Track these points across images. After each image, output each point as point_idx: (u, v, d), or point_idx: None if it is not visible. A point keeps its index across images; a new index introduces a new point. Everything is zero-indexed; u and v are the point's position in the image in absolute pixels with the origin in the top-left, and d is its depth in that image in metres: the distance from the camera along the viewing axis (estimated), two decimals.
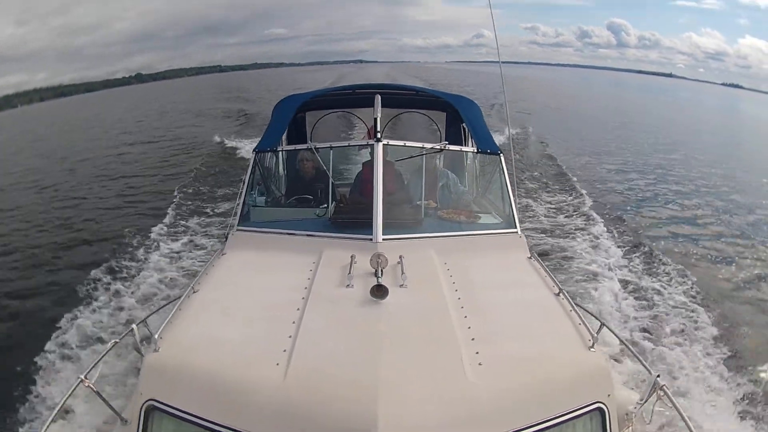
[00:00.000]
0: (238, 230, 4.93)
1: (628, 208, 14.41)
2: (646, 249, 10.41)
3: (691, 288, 8.69)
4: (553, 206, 13.19)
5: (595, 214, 12.35)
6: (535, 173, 16.38)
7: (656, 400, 3.29)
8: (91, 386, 3.25)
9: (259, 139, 6.02)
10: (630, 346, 4.35)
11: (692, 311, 7.95)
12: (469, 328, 3.26)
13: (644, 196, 16.27)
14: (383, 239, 4.29)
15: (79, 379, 3.24)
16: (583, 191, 14.38)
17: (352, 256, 3.95)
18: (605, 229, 11.49)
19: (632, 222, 12.62)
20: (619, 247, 10.50)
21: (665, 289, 8.67)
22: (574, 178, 15.77)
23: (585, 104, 50.52)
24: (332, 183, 5.22)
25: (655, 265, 9.67)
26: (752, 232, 13.11)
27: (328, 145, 5.31)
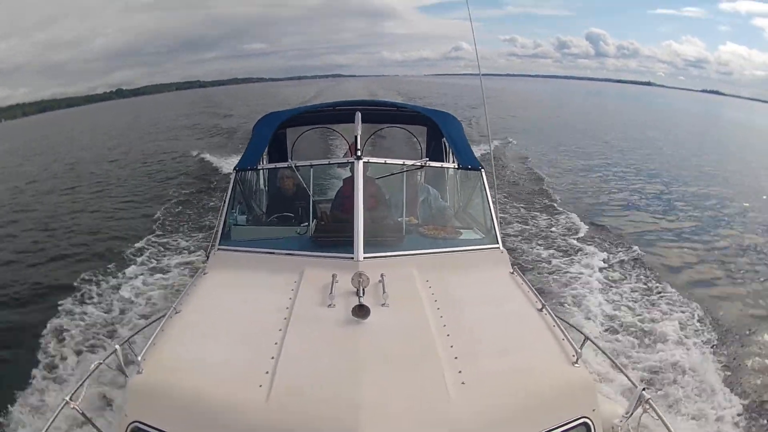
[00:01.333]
0: (219, 249, 4.90)
1: (606, 213, 14.85)
2: (628, 258, 10.60)
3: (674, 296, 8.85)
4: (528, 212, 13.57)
5: (578, 223, 12.78)
6: (513, 182, 16.79)
7: (642, 413, 3.29)
8: (77, 408, 3.22)
9: (239, 157, 6.02)
10: (614, 360, 4.37)
11: (678, 317, 8.09)
12: (452, 346, 3.27)
13: (615, 196, 17.01)
14: (364, 258, 4.28)
15: (65, 402, 3.21)
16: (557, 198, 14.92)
17: (333, 275, 3.94)
18: (588, 237, 11.83)
19: (614, 230, 12.85)
20: (602, 250, 10.82)
21: (649, 300, 8.78)
22: (557, 197, 15.83)
23: (559, 113, 52.16)
24: (313, 201, 5.23)
25: (638, 274, 9.85)
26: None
27: (308, 163, 5.34)
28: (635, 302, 8.63)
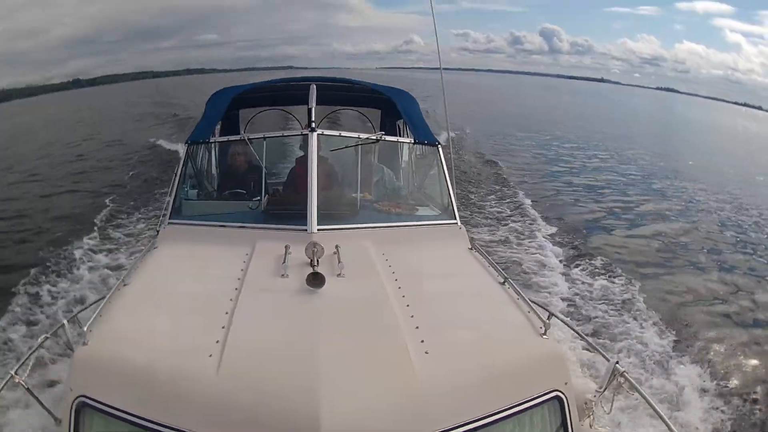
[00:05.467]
0: (169, 224, 4.77)
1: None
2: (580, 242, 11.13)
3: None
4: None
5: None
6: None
7: (616, 387, 3.27)
8: (22, 383, 3.10)
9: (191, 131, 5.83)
10: (583, 335, 4.37)
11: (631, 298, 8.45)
12: (412, 316, 3.17)
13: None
14: (318, 230, 4.21)
15: (9, 375, 3.08)
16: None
17: (286, 247, 3.86)
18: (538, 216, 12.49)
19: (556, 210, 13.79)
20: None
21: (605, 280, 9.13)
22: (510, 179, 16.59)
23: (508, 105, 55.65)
24: (265, 174, 5.12)
25: (589, 258, 10.14)
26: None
27: (261, 135, 5.19)
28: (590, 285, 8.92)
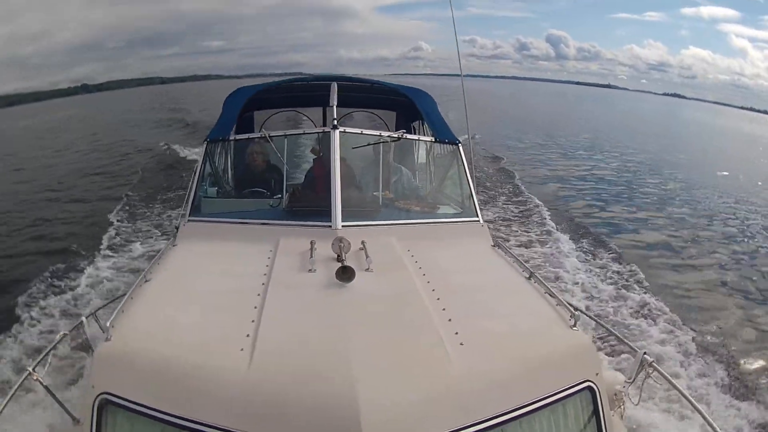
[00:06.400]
0: (189, 221, 4.75)
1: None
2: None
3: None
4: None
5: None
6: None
7: (645, 378, 3.25)
8: (40, 380, 3.02)
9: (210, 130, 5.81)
10: (611, 328, 4.35)
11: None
12: (444, 309, 3.13)
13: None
14: (342, 225, 4.18)
15: (27, 372, 3.01)
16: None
17: (311, 242, 3.82)
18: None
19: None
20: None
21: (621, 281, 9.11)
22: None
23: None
24: (287, 171, 5.11)
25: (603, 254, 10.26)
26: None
27: (282, 133, 5.20)
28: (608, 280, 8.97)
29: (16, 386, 3.04)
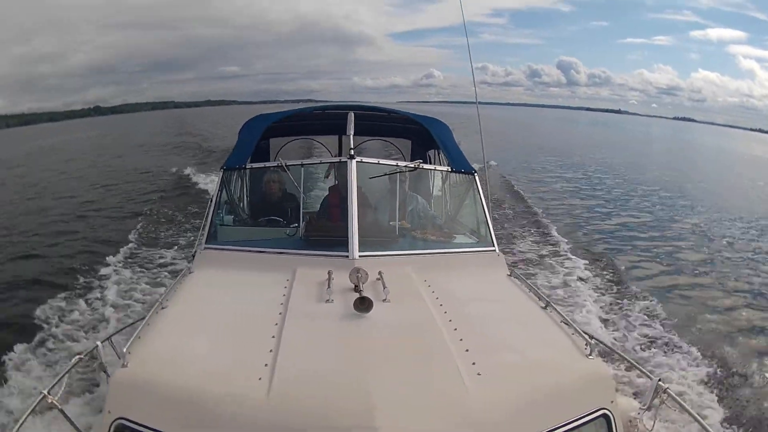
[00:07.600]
0: (206, 248, 4.76)
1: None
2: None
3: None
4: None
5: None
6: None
7: (660, 404, 3.23)
8: (55, 403, 3.00)
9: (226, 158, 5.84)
10: (626, 356, 4.31)
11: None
12: (461, 340, 3.15)
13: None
14: (360, 256, 4.19)
15: (42, 395, 2.99)
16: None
17: (329, 272, 3.82)
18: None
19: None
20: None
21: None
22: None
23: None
24: (303, 199, 5.12)
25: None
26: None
27: (299, 162, 5.22)
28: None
29: (30, 408, 3.03)
